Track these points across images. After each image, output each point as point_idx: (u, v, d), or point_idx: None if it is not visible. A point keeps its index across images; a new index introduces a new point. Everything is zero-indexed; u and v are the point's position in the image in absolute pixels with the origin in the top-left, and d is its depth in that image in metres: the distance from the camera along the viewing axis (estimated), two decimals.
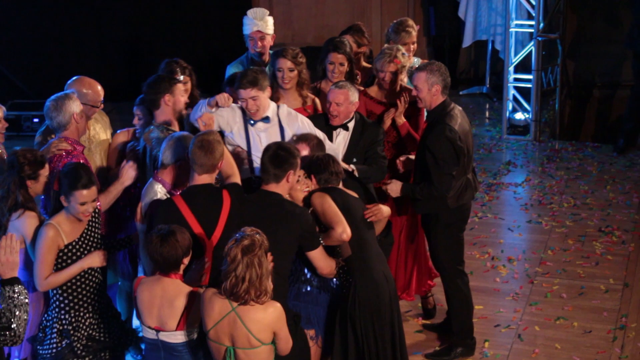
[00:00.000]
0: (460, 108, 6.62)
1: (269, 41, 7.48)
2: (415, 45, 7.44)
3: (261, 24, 7.44)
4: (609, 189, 9.64)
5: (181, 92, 6.36)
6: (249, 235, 4.83)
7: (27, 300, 4.61)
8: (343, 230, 5.64)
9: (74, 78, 6.58)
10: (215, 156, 5.44)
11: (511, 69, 11.10)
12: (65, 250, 5.48)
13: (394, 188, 6.56)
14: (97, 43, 11.79)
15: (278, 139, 6.19)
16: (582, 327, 7.19)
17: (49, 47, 11.76)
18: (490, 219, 9.08)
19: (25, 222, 5.55)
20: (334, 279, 5.90)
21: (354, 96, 6.48)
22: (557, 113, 11.21)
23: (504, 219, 9.08)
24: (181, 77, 6.74)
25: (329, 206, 5.67)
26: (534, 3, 10.81)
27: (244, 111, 6.23)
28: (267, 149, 5.51)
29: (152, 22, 11.95)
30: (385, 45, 7.10)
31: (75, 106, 6.13)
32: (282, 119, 6.30)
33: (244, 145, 6.27)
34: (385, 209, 5.98)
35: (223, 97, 6.15)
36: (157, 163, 6.02)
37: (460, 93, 12.57)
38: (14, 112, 10.56)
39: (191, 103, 6.77)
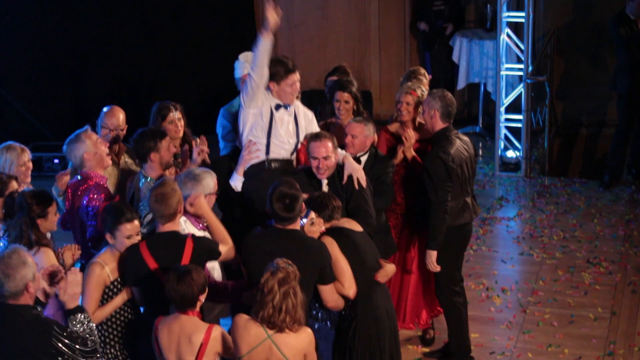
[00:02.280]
0: (466, 138, 6.76)
1: None
2: (427, 92, 7.48)
3: None
4: (596, 223, 9.64)
5: (166, 148, 6.37)
6: (283, 267, 4.88)
7: (93, 325, 4.78)
8: (349, 287, 5.66)
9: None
10: (172, 205, 5.48)
11: (502, 109, 11.13)
12: (111, 287, 5.50)
13: (430, 260, 6.66)
14: (110, 87, 11.85)
15: (293, 129, 6.55)
16: (572, 354, 7.19)
17: (66, 92, 11.83)
18: (485, 251, 9.08)
19: (42, 259, 5.55)
20: (343, 312, 5.87)
21: (369, 131, 6.63)
22: (546, 151, 11.24)
23: (497, 252, 9.09)
24: (176, 113, 6.89)
25: (337, 259, 5.64)
26: (522, 48, 10.87)
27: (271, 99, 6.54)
28: (272, 202, 5.45)
29: (157, 66, 11.99)
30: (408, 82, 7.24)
31: (84, 147, 6.24)
32: (299, 112, 6.64)
33: (265, 124, 6.48)
34: (391, 268, 5.97)
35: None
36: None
37: None
38: (35, 154, 10.55)
39: (182, 142, 6.90)
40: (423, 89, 7.08)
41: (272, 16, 6.26)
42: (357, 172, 6.35)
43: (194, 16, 12.01)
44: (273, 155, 6.57)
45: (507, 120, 11.20)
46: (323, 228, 5.75)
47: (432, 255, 6.64)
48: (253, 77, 6.37)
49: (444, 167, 6.49)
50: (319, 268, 5.48)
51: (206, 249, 5.54)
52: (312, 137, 6.33)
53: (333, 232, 5.75)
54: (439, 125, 6.62)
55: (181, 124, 6.93)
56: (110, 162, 6.46)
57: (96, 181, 6.23)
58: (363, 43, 12.56)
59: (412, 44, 12.60)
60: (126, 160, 6.98)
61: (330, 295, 5.61)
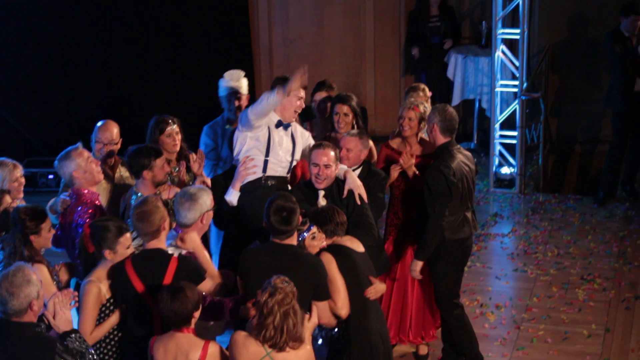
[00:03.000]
0: (468, 153, 6.83)
1: (244, 101, 7.58)
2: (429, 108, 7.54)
3: (237, 84, 7.53)
4: (590, 239, 9.65)
5: (160, 167, 6.39)
6: (281, 287, 4.85)
7: (86, 345, 4.79)
8: (342, 307, 5.64)
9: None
10: (155, 222, 5.46)
11: (497, 126, 11.16)
12: (107, 304, 5.48)
13: (415, 268, 6.74)
14: (104, 102, 11.86)
15: (290, 147, 6.65)
16: None
17: (62, 107, 11.85)
18: (479, 267, 9.09)
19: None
20: (335, 330, 5.87)
21: (364, 144, 6.70)
22: (540, 167, 11.27)
23: (491, 268, 9.09)
24: (174, 126, 6.95)
25: (334, 277, 5.63)
26: (517, 64, 10.91)
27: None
28: (269, 216, 5.46)
29: (151, 81, 12.00)
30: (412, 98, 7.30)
31: (73, 165, 6.21)
32: (295, 131, 6.76)
33: (263, 145, 6.57)
34: (382, 287, 5.97)
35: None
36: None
37: None
38: (30, 169, 10.61)
39: (179, 157, 6.92)
40: (426, 105, 7.14)
41: (297, 84, 6.45)
42: (358, 188, 6.37)
43: (188, 32, 12.04)
44: (270, 172, 6.63)
45: (501, 136, 11.23)
46: (324, 243, 5.75)
47: (418, 265, 6.72)
48: (250, 118, 6.48)
49: (445, 181, 6.53)
50: (314, 284, 5.47)
51: (191, 268, 5.48)
52: (315, 145, 6.42)
53: (333, 249, 5.73)
54: (441, 139, 6.70)
55: (179, 137, 6.97)
56: (101, 177, 6.41)
57: (87, 198, 6.22)
58: (358, 59, 12.60)
59: (407, 61, 12.63)
60: (122, 173, 6.97)
61: (323, 312, 5.60)
